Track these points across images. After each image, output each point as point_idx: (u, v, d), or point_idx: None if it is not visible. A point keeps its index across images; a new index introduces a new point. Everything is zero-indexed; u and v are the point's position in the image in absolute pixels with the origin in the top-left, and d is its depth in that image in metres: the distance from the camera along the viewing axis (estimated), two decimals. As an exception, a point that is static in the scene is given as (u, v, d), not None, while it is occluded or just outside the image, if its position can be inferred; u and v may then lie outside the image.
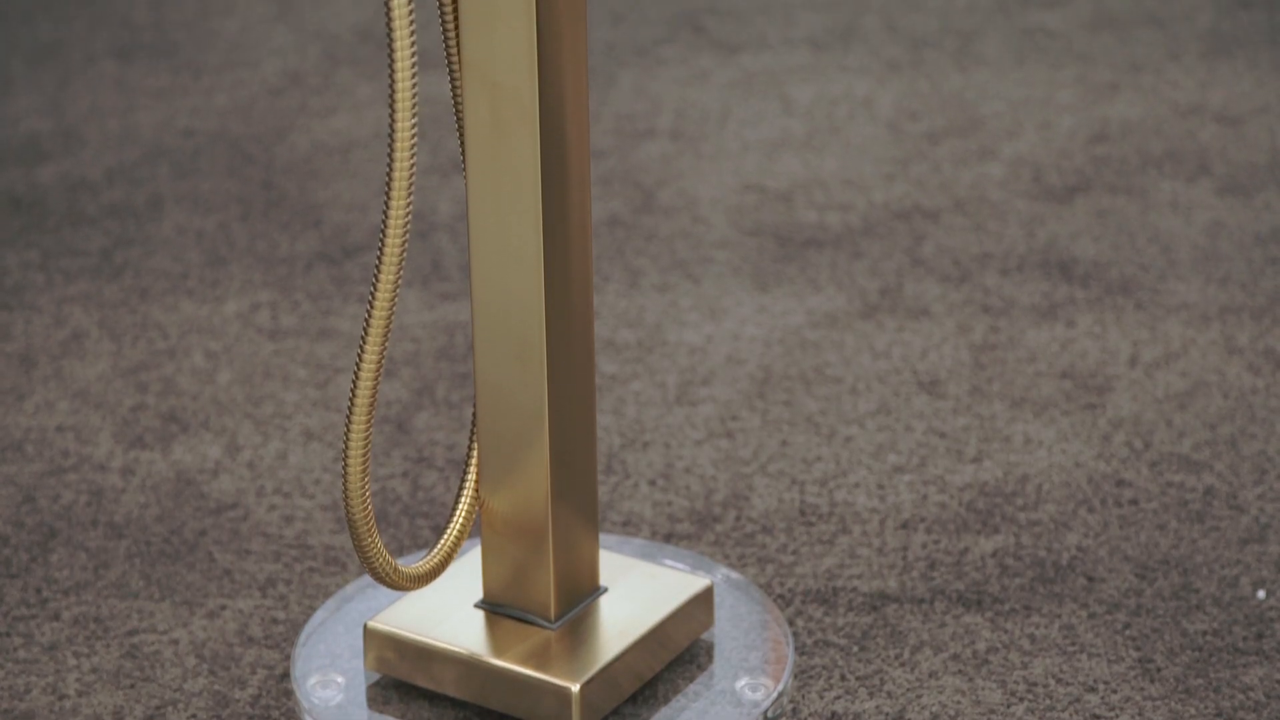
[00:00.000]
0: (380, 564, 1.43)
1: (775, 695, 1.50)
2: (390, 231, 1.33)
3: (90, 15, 2.95)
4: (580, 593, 1.51)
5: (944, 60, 2.76)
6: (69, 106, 2.65)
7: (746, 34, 2.87)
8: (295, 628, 1.61)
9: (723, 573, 1.65)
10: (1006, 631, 1.60)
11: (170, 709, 1.52)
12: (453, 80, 1.42)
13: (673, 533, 1.73)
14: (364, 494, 1.40)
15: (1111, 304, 2.11)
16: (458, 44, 1.39)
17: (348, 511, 1.40)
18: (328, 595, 1.66)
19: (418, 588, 1.47)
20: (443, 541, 1.49)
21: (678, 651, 1.53)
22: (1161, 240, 2.24)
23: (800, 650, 1.58)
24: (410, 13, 1.29)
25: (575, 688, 1.43)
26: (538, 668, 1.45)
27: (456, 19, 1.39)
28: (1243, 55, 2.75)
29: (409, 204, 1.33)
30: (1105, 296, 2.12)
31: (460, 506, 1.50)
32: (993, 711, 1.50)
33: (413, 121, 1.31)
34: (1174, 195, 2.35)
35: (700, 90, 2.68)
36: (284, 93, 2.68)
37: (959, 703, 1.51)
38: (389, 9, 1.28)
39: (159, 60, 2.79)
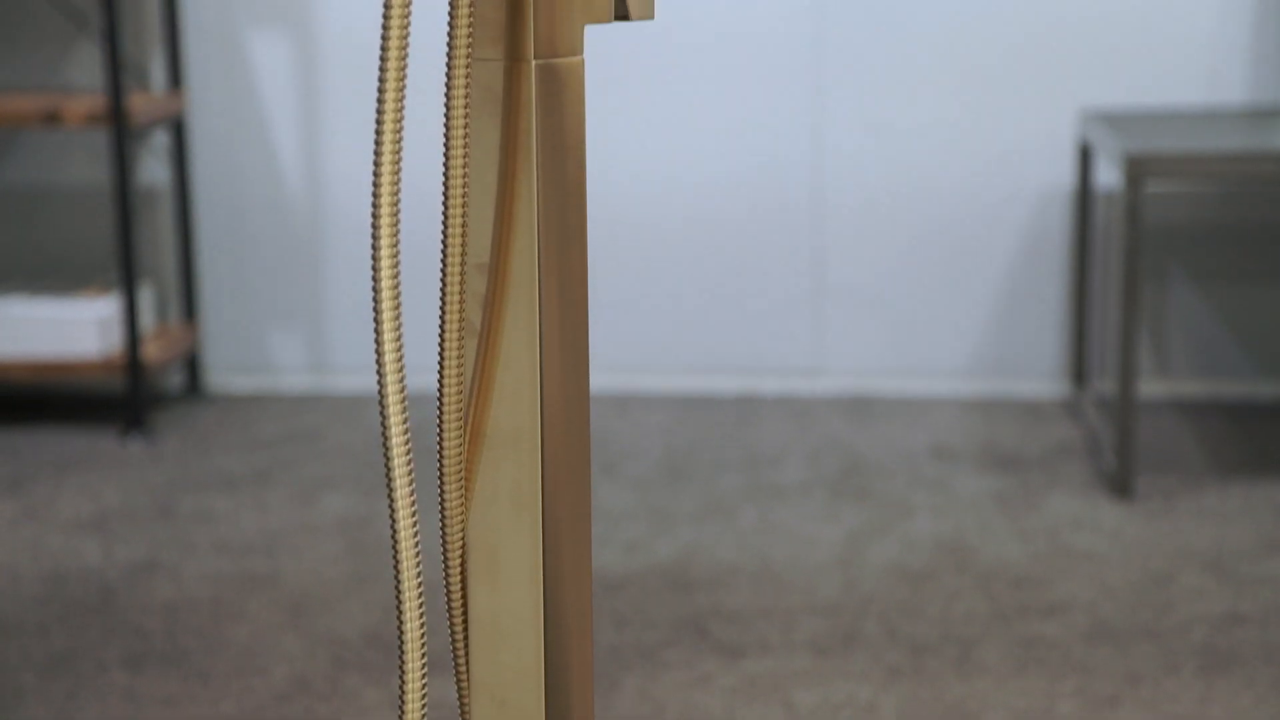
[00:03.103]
0: None
1: None
2: None
3: (103, 624, 3.00)
4: None
5: (945, 668, 2.79)
6: (76, 718, 2.66)
7: (749, 637, 2.91)
8: None
9: None
10: None
11: None
12: (460, 691, 1.44)
13: None
14: None
15: None
16: (466, 662, 1.42)
17: None
18: None
19: None
20: None
21: None
22: None
23: None
24: (422, 623, 1.33)
25: None
26: None
27: (466, 636, 1.42)
28: (1240, 672, 2.78)
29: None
30: None
31: None
32: None
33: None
34: (1180, 806, 2.34)
35: (703, 694, 2.70)
36: (290, 699, 2.70)
37: None
38: (400, 619, 1.32)
39: (169, 668, 2.82)
